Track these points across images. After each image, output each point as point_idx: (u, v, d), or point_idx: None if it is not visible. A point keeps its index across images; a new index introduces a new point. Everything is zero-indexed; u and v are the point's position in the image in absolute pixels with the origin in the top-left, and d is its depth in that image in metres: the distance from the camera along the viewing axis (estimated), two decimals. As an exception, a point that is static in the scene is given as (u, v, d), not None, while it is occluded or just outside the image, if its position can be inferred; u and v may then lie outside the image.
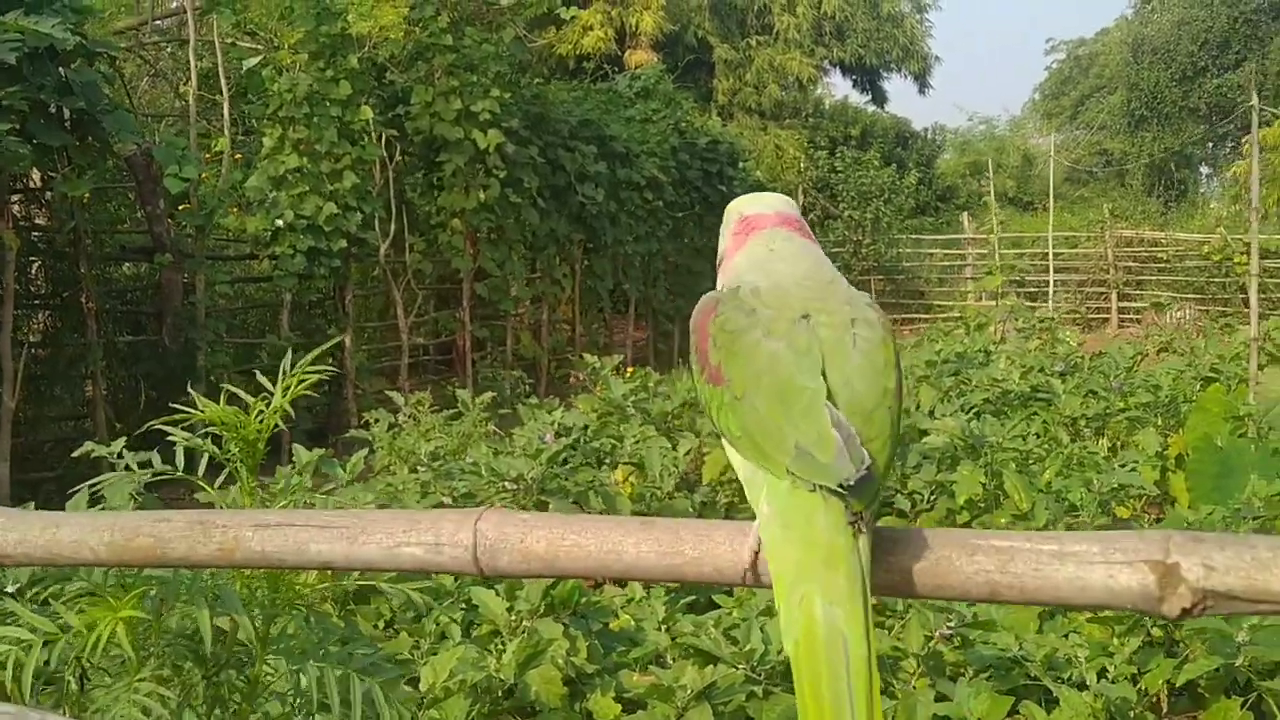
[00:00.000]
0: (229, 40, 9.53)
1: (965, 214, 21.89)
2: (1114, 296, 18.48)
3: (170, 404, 6.97)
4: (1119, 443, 6.88)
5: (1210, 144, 35.31)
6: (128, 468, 4.32)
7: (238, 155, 9.84)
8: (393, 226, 10.64)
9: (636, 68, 18.64)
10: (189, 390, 7.72)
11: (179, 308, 8.64)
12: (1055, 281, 16.33)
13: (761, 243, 1.47)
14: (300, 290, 9.63)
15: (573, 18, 19.09)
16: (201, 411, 1.83)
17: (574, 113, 13.48)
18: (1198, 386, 6.98)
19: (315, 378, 1.90)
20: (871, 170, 20.03)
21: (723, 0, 21.68)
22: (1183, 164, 34.06)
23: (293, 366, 7.40)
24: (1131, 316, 18.11)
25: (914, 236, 21.36)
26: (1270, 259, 17.16)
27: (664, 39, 20.26)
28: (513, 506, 4.90)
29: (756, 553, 1.25)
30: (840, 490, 1.16)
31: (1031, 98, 44.12)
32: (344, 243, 9.72)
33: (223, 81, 9.08)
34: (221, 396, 1.93)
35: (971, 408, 6.95)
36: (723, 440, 1.34)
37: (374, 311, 12.24)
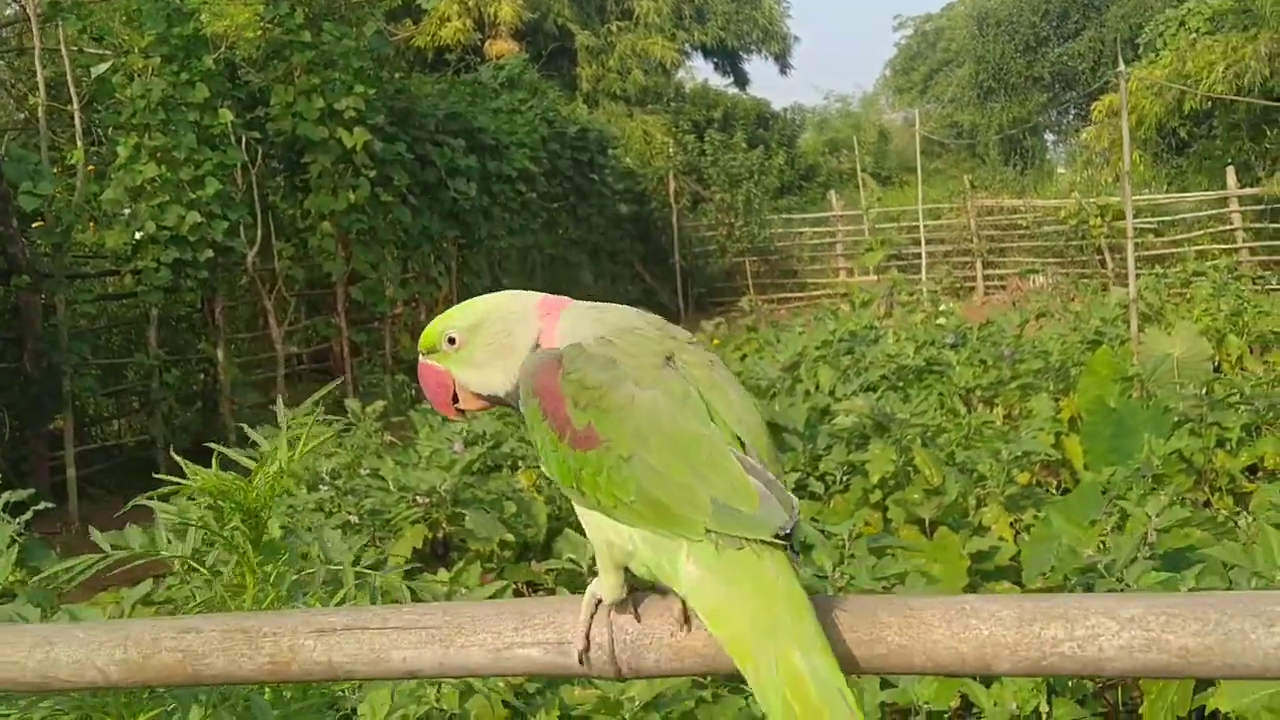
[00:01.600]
0: (75, 47, 8.96)
1: (832, 191, 22.21)
2: (979, 265, 18.98)
3: (33, 434, 6.55)
4: (1013, 410, 7.01)
5: (1055, 112, 36.63)
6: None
7: (91, 167, 9.30)
8: (259, 233, 10.21)
9: (498, 58, 18.37)
10: (54, 418, 7.25)
11: (39, 331, 8.12)
12: (926, 253, 16.69)
13: (579, 309, 1.35)
14: (167, 304, 9.16)
15: (430, 9, 18.77)
16: (190, 481, 1.54)
17: (440, 106, 13.17)
18: (1083, 350, 7.15)
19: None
20: (739, 153, 20.14)
21: (581, -14, 21.56)
22: (1030, 133, 35.23)
23: (160, 385, 7.01)
24: (996, 284, 18.62)
25: (784, 216, 21.59)
26: (1121, 220, 17.81)
27: (524, 28, 20.00)
28: (423, 523, 4.70)
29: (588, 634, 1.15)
30: (777, 540, 1.11)
31: (883, 74, 45.18)
32: (210, 252, 9.28)
33: (72, 90, 8.55)
34: (214, 460, 1.65)
35: (870, 385, 6.98)
36: (586, 511, 1.22)
37: (243, 322, 11.76)
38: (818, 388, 7.06)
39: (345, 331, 11.69)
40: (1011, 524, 5.30)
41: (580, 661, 1.10)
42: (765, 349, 9.11)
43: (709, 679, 3.45)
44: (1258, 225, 16.84)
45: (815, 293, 19.84)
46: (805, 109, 37.46)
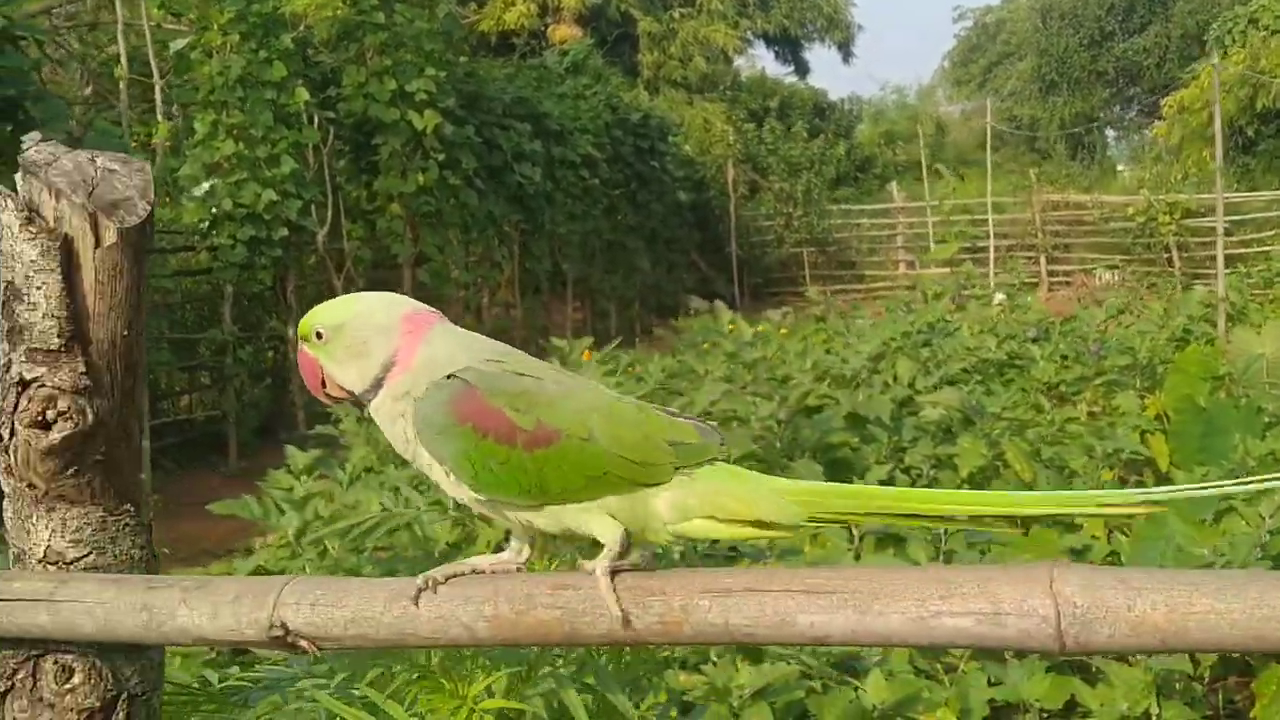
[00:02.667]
0: (153, 23, 9.04)
1: (893, 184, 21.99)
2: (1043, 260, 18.72)
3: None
4: (1095, 407, 6.89)
5: (1117, 107, 36.07)
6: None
7: (168, 143, 9.39)
8: (329, 213, 10.27)
9: (561, 43, 18.34)
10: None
11: (117, 305, 8.20)
12: (992, 247, 16.50)
13: (447, 331, 1.39)
14: (242, 281, 9.23)
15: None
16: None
17: (507, 90, 13.17)
18: (1171, 348, 7.01)
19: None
20: (800, 142, 19.98)
21: (646, -28, 21.46)
22: (1090, 128, 34.71)
23: (234, 361, 7.09)
24: (1061, 280, 18.35)
25: (843, 207, 21.40)
26: (1191, 218, 17.51)
27: (587, 13, 19.96)
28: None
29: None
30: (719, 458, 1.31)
31: (941, 66, 44.64)
32: (285, 230, 9.35)
33: (153, 65, 8.62)
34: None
35: (950, 379, 6.88)
36: (539, 510, 1.29)
37: (310, 301, 11.83)
38: (895, 379, 6.98)
39: (411, 312, 11.72)
40: (1104, 521, 5.20)
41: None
42: (835, 339, 9.03)
43: (816, 673, 3.41)
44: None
45: (873, 285, 19.67)
46: (862, 99, 37.12)
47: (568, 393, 1.31)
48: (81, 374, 1.22)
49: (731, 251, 19.64)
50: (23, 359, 1.23)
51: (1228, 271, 10.56)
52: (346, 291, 10.87)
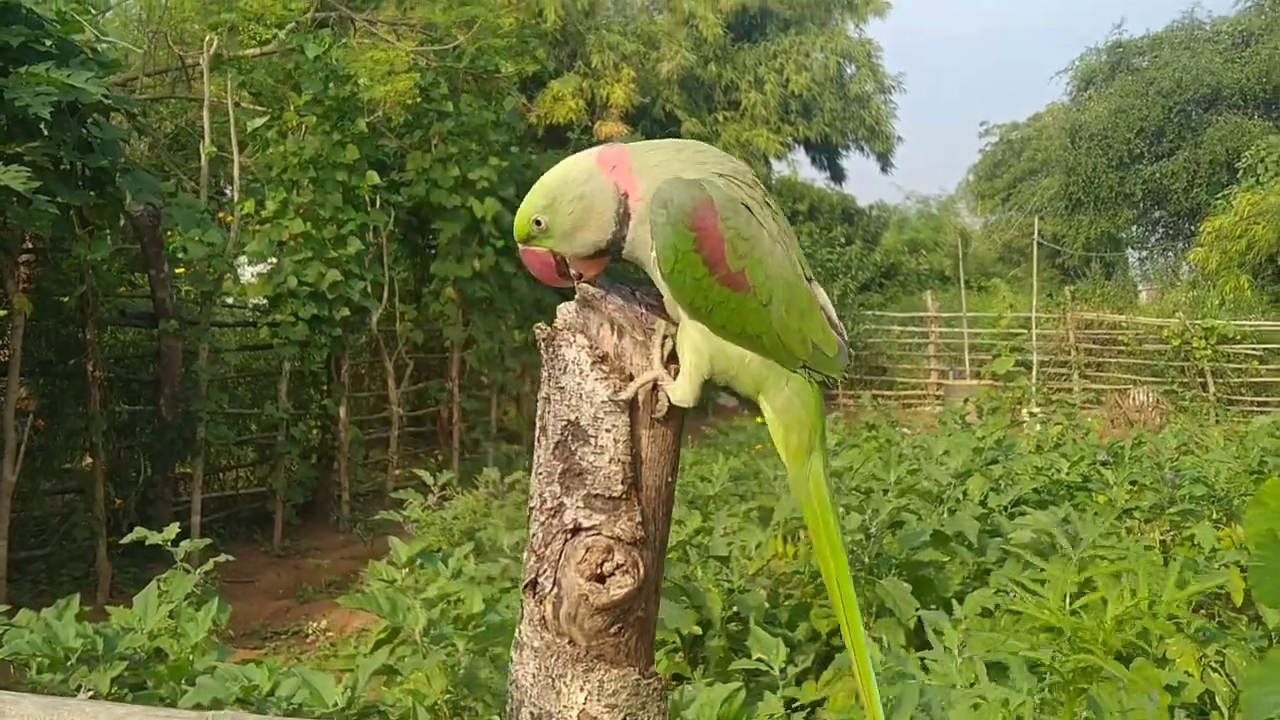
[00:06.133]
0: (235, 101, 9.17)
1: (929, 293, 22.07)
2: (1075, 377, 18.71)
3: (160, 477, 6.52)
4: (1168, 536, 6.79)
5: (1140, 229, 36.36)
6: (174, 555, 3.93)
7: (229, 217, 9.45)
8: (385, 294, 10.31)
9: (607, 139, 18.61)
10: (184, 463, 7.25)
11: (178, 377, 8.20)
12: (1037, 362, 16.51)
13: (645, 153, 1.50)
14: (302, 359, 9.22)
15: (544, 87, 19.12)
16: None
17: (562, 182, 13.30)
18: (1248, 479, 6.93)
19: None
20: (837, 247, 20.13)
21: (691, 76, 21.76)
22: (1114, 247, 35.00)
23: (286, 439, 7.06)
24: (1093, 399, 18.31)
25: (875, 313, 21.48)
26: (1227, 344, 17.52)
27: (633, 111, 20.28)
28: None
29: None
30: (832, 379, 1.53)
31: (966, 178, 45.18)
32: (346, 310, 9.38)
33: (234, 143, 8.73)
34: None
35: (1022, 499, 6.80)
36: (697, 331, 1.42)
37: (361, 380, 11.83)
38: (965, 495, 6.90)
39: (457, 397, 11.71)
40: (1199, 659, 5.09)
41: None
42: (888, 448, 8.96)
43: None
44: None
45: (904, 392, 19.65)
46: (888, 206, 37.49)
47: (772, 252, 1.45)
48: (637, 524, 1.18)
49: (764, 351, 19.55)
50: (579, 504, 1.19)
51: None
52: (397, 373, 10.93)
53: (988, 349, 18.29)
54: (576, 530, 1.18)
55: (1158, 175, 31.50)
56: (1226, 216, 19.10)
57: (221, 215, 10.31)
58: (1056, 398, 15.11)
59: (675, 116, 21.31)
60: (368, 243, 9.74)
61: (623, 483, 1.20)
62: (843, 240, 20.43)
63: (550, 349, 1.23)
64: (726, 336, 1.41)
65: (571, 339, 1.25)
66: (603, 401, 1.20)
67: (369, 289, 9.71)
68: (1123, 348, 18.64)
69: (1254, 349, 17.23)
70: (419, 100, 10.57)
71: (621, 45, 20.61)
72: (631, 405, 1.22)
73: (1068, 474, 6.99)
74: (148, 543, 4.25)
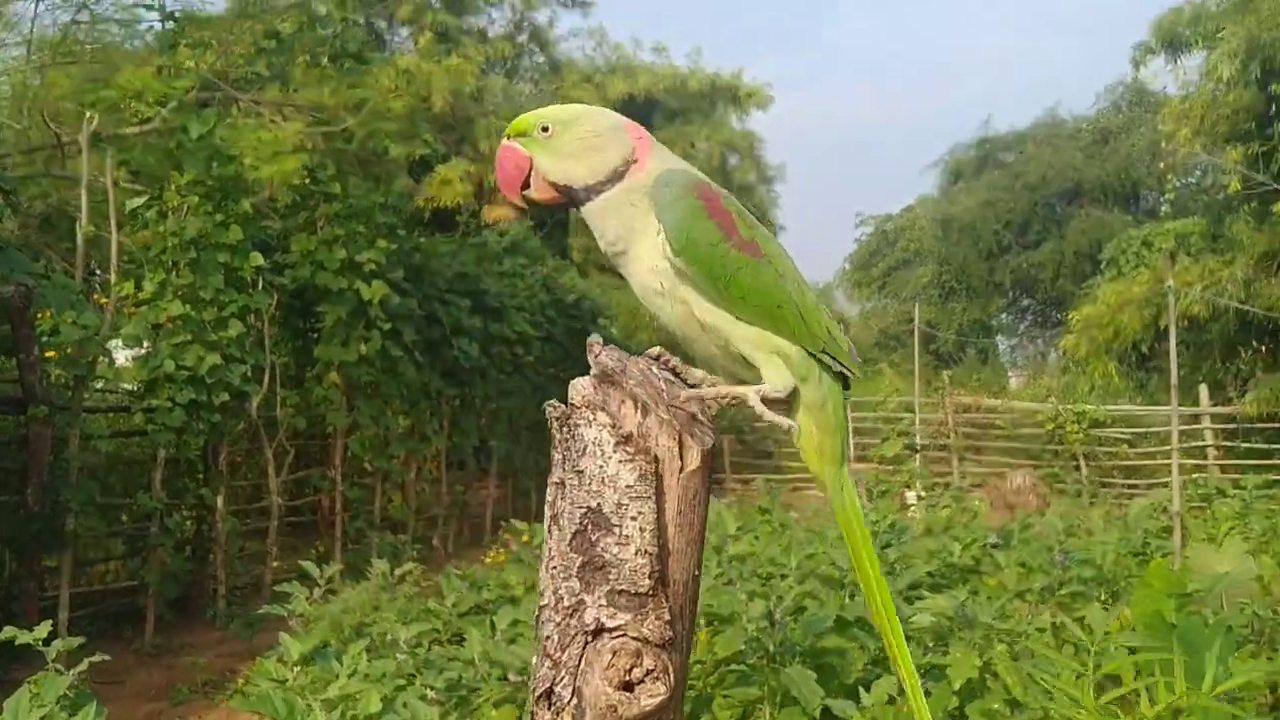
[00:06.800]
0: (112, 180, 8.87)
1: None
2: (955, 461, 19.10)
3: (25, 571, 6.12)
4: (1057, 619, 6.87)
5: (1008, 316, 37.77)
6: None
7: (107, 300, 9.08)
8: (265, 379, 9.99)
9: (494, 222, 18.59)
10: (52, 556, 6.82)
11: (46, 465, 7.76)
12: (916, 446, 16.81)
13: (663, 149, 1.54)
14: (177, 446, 8.83)
15: (431, 171, 19.07)
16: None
17: (451, 265, 13.18)
18: (1133, 561, 7.08)
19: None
20: (722, 332, 20.30)
21: (578, 161, 21.96)
22: (984, 334, 36.21)
23: (160, 530, 6.72)
24: (975, 481, 18.69)
25: (760, 398, 21.63)
26: (1098, 428, 18.11)
27: (520, 196, 20.31)
28: (512, 703, 4.40)
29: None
30: (848, 376, 1.53)
31: (843, 267, 46.42)
32: (226, 396, 9.03)
33: (112, 222, 8.42)
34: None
35: (915, 583, 6.82)
36: (708, 308, 1.41)
37: (238, 469, 11.39)
38: (862, 581, 6.88)
39: (340, 485, 11.36)
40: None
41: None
42: (782, 533, 8.94)
43: None
44: (1228, 444, 17.20)
45: (790, 477, 19.79)
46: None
47: (774, 239, 1.49)
48: (666, 623, 1.04)
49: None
50: (602, 602, 1.06)
51: (1155, 484, 10.81)
52: (277, 461, 10.55)
53: (872, 432, 18.59)
54: (599, 631, 1.05)
55: (1025, 265, 32.85)
56: (1094, 306, 19.90)
57: (96, 297, 9.93)
58: (937, 481, 15.39)
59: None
60: (249, 325, 9.44)
61: (650, 577, 1.08)
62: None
63: (565, 429, 1.11)
64: (750, 313, 1.41)
65: (591, 417, 1.12)
66: (627, 487, 1.08)
67: (249, 373, 9.38)
68: (999, 431, 19.13)
69: (1123, 433, 17.85)
70: (306, 181, 10.40)
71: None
72: (658, 492, 1.11)
73: (959, 557, 7.05)
74: (17, 642, 3.96)
